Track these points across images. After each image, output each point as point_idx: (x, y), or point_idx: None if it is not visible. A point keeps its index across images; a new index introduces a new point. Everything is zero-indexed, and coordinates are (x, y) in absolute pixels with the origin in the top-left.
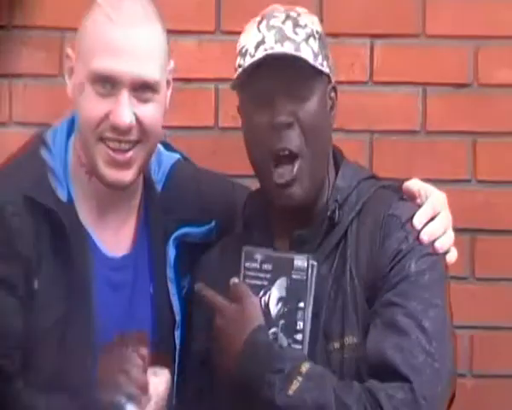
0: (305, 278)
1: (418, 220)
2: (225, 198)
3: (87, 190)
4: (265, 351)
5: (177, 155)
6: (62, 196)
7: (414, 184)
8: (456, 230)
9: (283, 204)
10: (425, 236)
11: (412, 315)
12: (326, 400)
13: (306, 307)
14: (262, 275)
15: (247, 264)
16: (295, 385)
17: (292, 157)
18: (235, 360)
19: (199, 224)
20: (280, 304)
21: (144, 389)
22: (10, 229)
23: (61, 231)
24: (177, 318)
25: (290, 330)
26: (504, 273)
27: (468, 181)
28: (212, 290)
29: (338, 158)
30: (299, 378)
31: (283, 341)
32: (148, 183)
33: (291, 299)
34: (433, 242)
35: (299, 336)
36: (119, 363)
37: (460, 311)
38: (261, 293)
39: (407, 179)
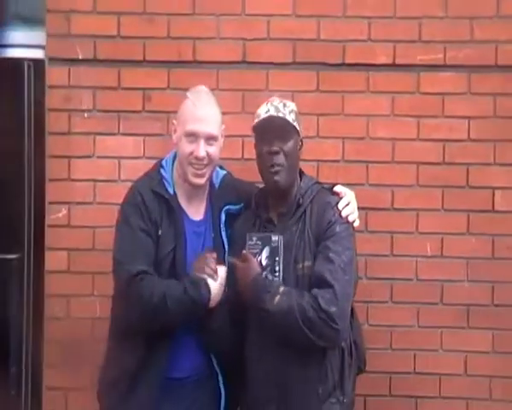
0: (277, 245)
1: (340, 205)
2: (247, 191)
3: (182, 188)
4: (261, 284)
5: (225, 171)
6: (171, 191)
7: (338, 187)
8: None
9: (273, 187)
10: (343, 213)
11: (337, 253)
12: (292, 304)
13: (279, 258)
14: (256, 247)
15: (249, 242)
16: (277, 298)
17: (279, 166)
18: (246, 291)
19: (235, 204)
20: (267, 260)
21: (215, 272)
22: (146, 206)
23: (170, 207)
24: (226, 246)
25: (272, 271)
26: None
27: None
28: (236, 259)
29: (301, 172)
30: (279, 295)
31: (270, 277)
32: (211, 184)
33: (271, 256)
34: (347, 216)
35: (277, 274)
36: (202, 260)
37: (359, 248)
38: (257, 256)
39: (335, 185)
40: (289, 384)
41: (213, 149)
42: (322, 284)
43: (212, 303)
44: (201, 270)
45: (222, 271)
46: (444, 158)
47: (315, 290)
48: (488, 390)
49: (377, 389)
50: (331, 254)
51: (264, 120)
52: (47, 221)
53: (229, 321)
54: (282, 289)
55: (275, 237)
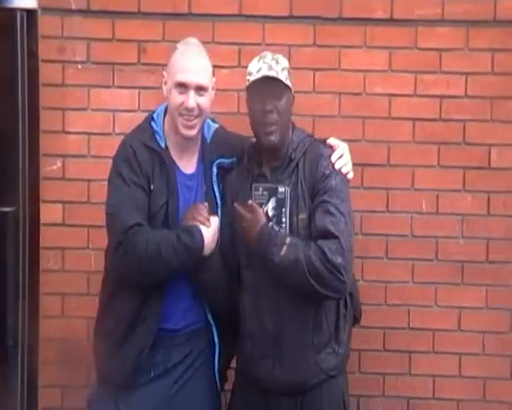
0: (284, 196)
1: (333, 157)
2: (240, 145)
3: (174, 141)
4: (268, 235)
5: (217, 125)
6: (162, 145)
7: (331, 140)
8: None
9: (267, 145)
10: (337, 165)
11: (335, 206)
12: (299, 254)
13: (286, 209)
14: (263, 197)
15: (255, 192)
16: (284, 250)
17: (272, 124)
18: (253, 242)
19: (227, 158)
20: (273, 211)
21: (208, 220)
22: (138, 160)
23: (162, 161)
24: (219, 202)
25: (279, 222)
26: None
27: (359, 140)
28: (241, 208)
29: (293, 126)
30: (285, 246)
31: (276, 228)
32: (203, 137)
33: (278, 207)
34: (341, 168)
35: (283, 225)
36: (194, 209)
37: (354, 205)
38: (263, 206)
39: (328, 137)
40: (284, 337)
41: (203, 100)
42: (327, 235)
43: (206, 251)
44: (194, 218)
45: (214, 220)
46: (440, 114)
47: (320, 241)
48: (481, 345)
49: (371, 344)
50: (331, 208)
51: (257, 80)
52: (41, 174)
53: (224, 273)
54: (288, 240)
55: (281, 189)
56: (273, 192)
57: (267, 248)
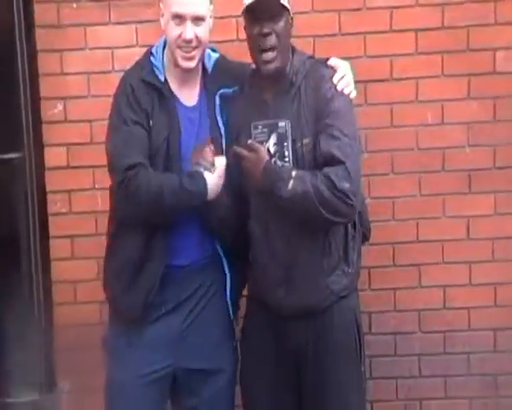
0: (284, 130)
1: (335, 79)
2: (241, 73)
3: (173, 74)
4: (273, 171)
5: (218, 54)
6: (161, 79)
7: (332, 60)
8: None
9: (266, 73)
10: (339, 86)
11: (339, 129)
12: (307, 187)
13: (288, 144)
14: (262, 135)
15: (254, 131)
16: (290, 184)
17: (271, 49)
18: (258, 181)
19: (229, 87)
20: (275, 146)
21: (212, 163)
22: (136, 97)
23: (162, 95)
24: (222, 131)
25: (281, 157)
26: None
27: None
28: (242, 149)
29: (293, 49)
30: (292, 180)
31: (279, 164)
32: (204, 68)
33: (280, 142)
34: (343, 89)
35: (286, 159)
36: (199, 152)
37: (358, 122)
38: (264, 143)
39: (329, 58)
40: (294, 263)
41: (201, 30)
42: (333, 161)
43: (211, 196)
44: (198, 163)
45: (220, 162)
46: (443, 22)
47: (326, 169)
48: (491, 252)
49: (381, 260)
50: (335, 132)
51: (254, 2)
52: (43, 117)
53: (233, 209)
54: (294, 173)
55: (282, 123)
56: (273, 128)
57: (274, 184)
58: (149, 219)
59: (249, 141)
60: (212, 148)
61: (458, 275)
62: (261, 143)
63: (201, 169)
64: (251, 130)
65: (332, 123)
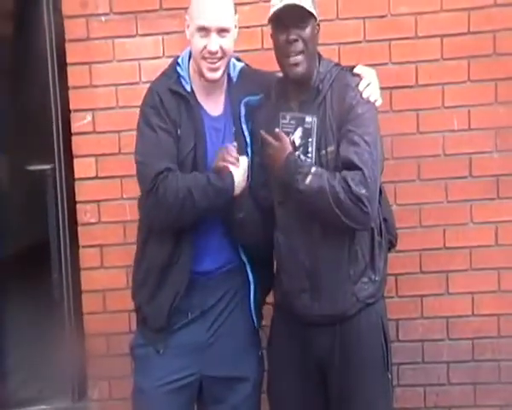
0: (310, 126)
1: (361, 86)
2: (266, 81)
3: (199, 84)
4: (293, 163)
5: (242, 63)
6: (188, 89)
7: (358, 68)
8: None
9: (293, 77)
10: (365, 94)
11: (360, 135)
12: (324, 184)
13: (312, 140)
14: (290, 126)
15: (282, 121)
16: (308, 179)
17: (298, 54)
18: (279, 170)
19: (254, 95)
20: (300, 140)
21: (237, 159)
22: (164, 106)
23: (189, 105)
24: (248, 140)
25: (305, 152)
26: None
27: (386, 64)
28: (268, 135)
29: (320, 57)
30: (310, 175)
31: (302, 158)
32: (229, 77)
33: (305, 137)
34: (369, 97)
35: (309, 155)
36: (224, 150)
37: (384, 129)
38: (290, 135)
39: (355, 66)
40: (320, 271)
41: (226, 42)
42: (351, 166)
43: (237, 191)
44: (223, 159)
45: (244, 160)
46: (469, 27)
47: (344, 172)
48: None
49: (408, 267)
50: (355, 137)
51: (280, 9)
52: (72, 129)
53: (256, 212)
54: (313, 169)
55: (309, 118)
56: (300, 121)
57: (292, 176)
58: (179, 221)
59: (276, 129)
60: (236, 145)
61: (487, 282)
62: (287, 134)
63: (227, 164)
64: (279, 119)
65: (353, 129)
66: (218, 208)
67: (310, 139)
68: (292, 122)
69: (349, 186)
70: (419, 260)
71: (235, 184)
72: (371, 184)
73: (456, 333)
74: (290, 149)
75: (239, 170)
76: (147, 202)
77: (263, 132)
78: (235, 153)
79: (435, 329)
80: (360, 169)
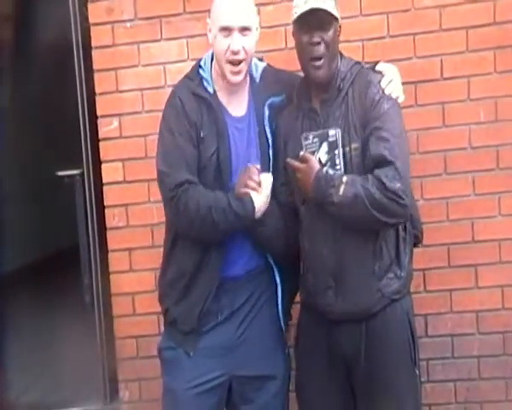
0: (335, 138)
1: (383, 83)
2: (289, 81)
3: (222, 86)
4: (324, 179)
5: (265, 63)
6: (210, 91)
7: (381, 65)
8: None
9: (315, 79)
10: (387, 90)
11: (389, 131)
12: (358, 190)
13: (339, 151)
14: (313, 145)
15: (305, 142)
16: (342, 189)
17: (321, 57)
18: (311, 191)
19: (277, 96)
20: (326, 155)
21: (259, 184)
22: (186, 110)
23: (211, 107)
24: (270, 142)
25: (333, 165)
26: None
27: (410, 58)
28: (295, 161)
29: (341, 55)
30: (343, 185)
31: (331, 172)
32: (252, 78)
33: (331, 151)
34: (391, 93)
35: (338, 167)
36: (246, 173)
37: (409, 124)
38: (315, 154)
39: (377, 63)
40: (345, 268)
41: (248, 41)
42: (382, 163)
43: (258, 214)
44: (246, 185)
45: (266, 180)
46: (495, 18)
47: (376, 171)
48: None
49: (436, 262)
50: (384, 133)
51: (304, 12)
52: (100, 134)
53: (281, 223)
54: (345, 178)
55: (332, 131)
56: (324, 137)
57: (325, 192)
58: (201, 236)
59: (301, 153)
60: (259, 167)
61: None
62: (312, 153)
63: (248, 190)
64: (302, 141)
65: (380, 125)
66: (238, 230)
67: (336, 151)
68: (315, 140)
69: (383, 184)
70: (447, 254)
71: (256, 209)
72: (404, 176)
73: (487, 327)
74: (318, 167)
75: (260, 196)
76: (168, 210)
77: (289, 160)
78: (257, 176)
79: (465, 323)
80: (392, 163)
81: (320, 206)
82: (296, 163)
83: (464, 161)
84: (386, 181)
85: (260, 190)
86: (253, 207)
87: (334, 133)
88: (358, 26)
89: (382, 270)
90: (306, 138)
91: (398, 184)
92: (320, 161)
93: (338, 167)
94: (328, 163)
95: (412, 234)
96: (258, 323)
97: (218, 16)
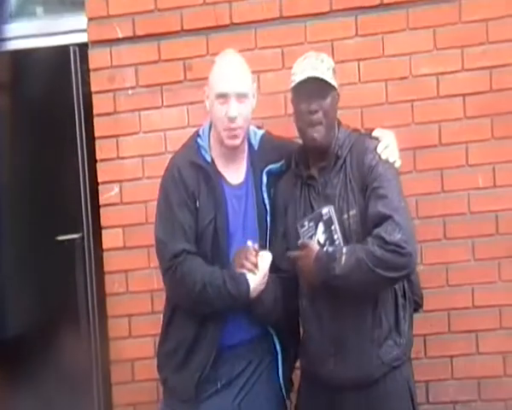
0: (329, 216)
1: (379, 149)
2: (287, 148)
3: (220, 153)
4: (324, 256)
5: (263, 131)
6: (208, 159)
7: (377, 131)
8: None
9: (313, 145)
10: (383, 155)
11: (385, 188)
12: (359, 255)
13: (335, 226)
14: (310, 230)
15: (302, 230)
16: (343, 259)
17: (318, 124)
18: (314, 273)
19: (275, 163)
20: (324, 235)
21: (255, 266)
22: (183, 179)
23: (208, 176)
24: (268, 208)
25: (332, 242)
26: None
27: (409, 125)
28: (295, 252)
29: (339, 123)
30: (344, 256)
31: (330, 249)
32: (250, 145)
33: (327, 229)
34: (388, 158)
35: (337, 243)
36: (243, 253)
37: (408, 189)
38: (313, 237)
39: (374, 129)
40: (344, 336)
41: (245, 108)
42: (381, 219)
43: (253, 294)
44: (242, 265)
45: (264, 260)
46: (491, 85)
47: (376, 230)
48: None
49: (436, 328)
50: (381, 191)
51: (302, 81)
52: (100, 201)
53: (281, 295)
54: (345, 249)
55: (325, 210)
56: (318, 218)
57: (327, 267)
58: (197, 309)
59: (299, 242)
60: (257, 247)
61: None
62: (310, 238)
63: (244, 271)
64: (298, 230)
65: (377, 185)
66: (234, 307)
67: (332, 227)
68: (311, 225)
69: (383, 239)
70: (447, 320)
71: (251, 289)
72: (404, 225)
73: (489, 394)
74: (317, 247)
75: (256, 277)
76: (166, 279)
77: (289, 253)
78: (254, 258)
79: (467, 390)
80: (390, 217)
81: (326, 286)
82: (296, 253)
83: (463, 226)
84: (385, 236)
85: (257, 272)
86: (248, 289)
87: (327, 211)
88: (357, 93)
89: (382, 338)
90: (302, 226)
91: (399, 236)
92: (319, 243)
93: (337, 243)
94: (327, 241)
95: (412, 300)
96: (258, 391)
97: (215, 83)
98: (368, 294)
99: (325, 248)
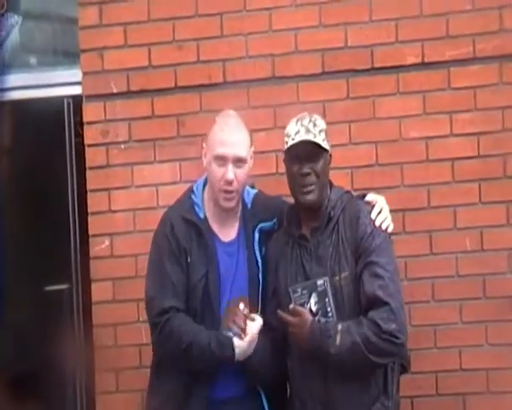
0: (324, 287)
1: (373, 214)
2: (280, 207)
3: (213, 211)
4: (319, 330)
5: (256, 190)
6: (201, 215)
7: (370, 196)
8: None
9: (305, 205)
10: (377, 222)
11: (382, 266)
12: (354, 337)
13: (329, 299)
14: (303, 297)
15: (294, 295)
16: (338, 338)
17: (310, 185)
18: (306, 343)
19: (267, 221)
20: (316, 305)
21: (243, 330)
22: (175, 235)
23: (200, 232)
24: (260, 265)
25: (324, 313)
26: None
27: (398, 186)
28: (287, 316)
29: (331, 184)
30: (339, 334)
31: (323, 320)
32: (243, 204)
33: (321, 300)
34: (381, 224)
35: (330, 315)
36: (231, 317)
37: (398, 250)
38: (305, 305)
39: (366, 194)
40: (334, 399)
41: (242, 172)
42: (377, 303)
43: (239, 358)
44: (229, 328)
45: (254, 327)
46: (479, 151)
47: (371, 313)
48: None
49: (424, 390)
50: (378, 270)
51: (295, 144)
52: (91, 253)
53: (269, 355)
54: (340, 327)
55: (320, 281)
56: (313, 288)
57: (321, 343)
58: (184, 366)
59: (291, 306)
60: (247, 312)
61: (507, 406)
62: (302, 305)
63: (231, 334)
64: (290, 294)
65: (375, 260)
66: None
67: (326, 299)
68: (304, 292)
69: (378, 326)
70: (435, 381)
71: (236, 353)
72: (399, 314)
73: None
74: (311, 319)
75: (244, 342)
76: (152, 335)
77: (280, 312)
78: (242, 323)
79: None
80: (387, 304)
81: (315, 356)
82: (289, 317)
83: (452, 288)
84: (381, 323)
85: (244, 337)
86: (233, 353)
87: (322, 283)
88: (347, 154)
89: (370, 401)
90: (295, 291)
91: (394, 325)
92: (311, 311)
93: (330, 315)
94: (320, 312)
95: (399, 362)
96: None
97: (215, 144)
98: (353, 373)
99: (318, 318)
